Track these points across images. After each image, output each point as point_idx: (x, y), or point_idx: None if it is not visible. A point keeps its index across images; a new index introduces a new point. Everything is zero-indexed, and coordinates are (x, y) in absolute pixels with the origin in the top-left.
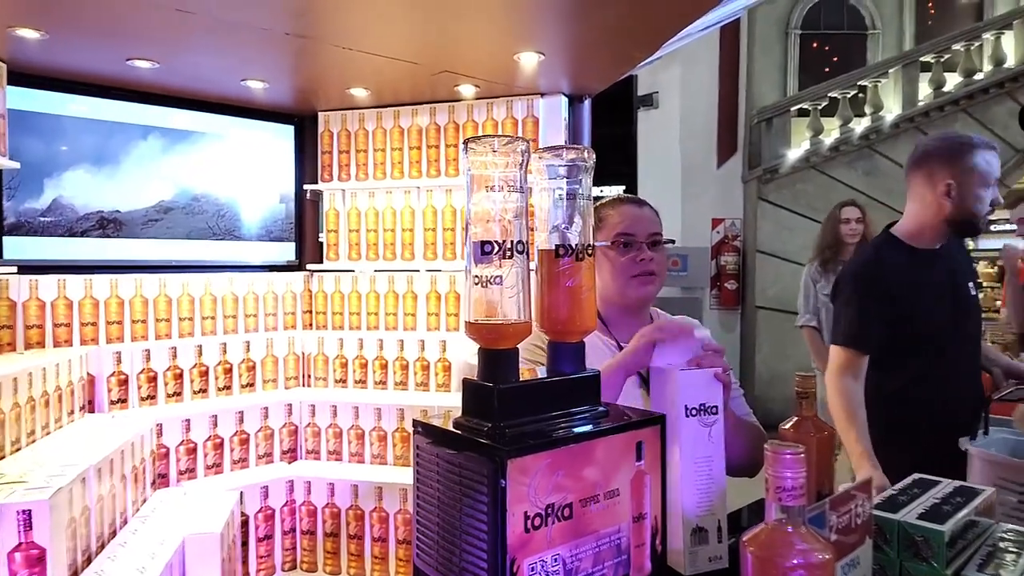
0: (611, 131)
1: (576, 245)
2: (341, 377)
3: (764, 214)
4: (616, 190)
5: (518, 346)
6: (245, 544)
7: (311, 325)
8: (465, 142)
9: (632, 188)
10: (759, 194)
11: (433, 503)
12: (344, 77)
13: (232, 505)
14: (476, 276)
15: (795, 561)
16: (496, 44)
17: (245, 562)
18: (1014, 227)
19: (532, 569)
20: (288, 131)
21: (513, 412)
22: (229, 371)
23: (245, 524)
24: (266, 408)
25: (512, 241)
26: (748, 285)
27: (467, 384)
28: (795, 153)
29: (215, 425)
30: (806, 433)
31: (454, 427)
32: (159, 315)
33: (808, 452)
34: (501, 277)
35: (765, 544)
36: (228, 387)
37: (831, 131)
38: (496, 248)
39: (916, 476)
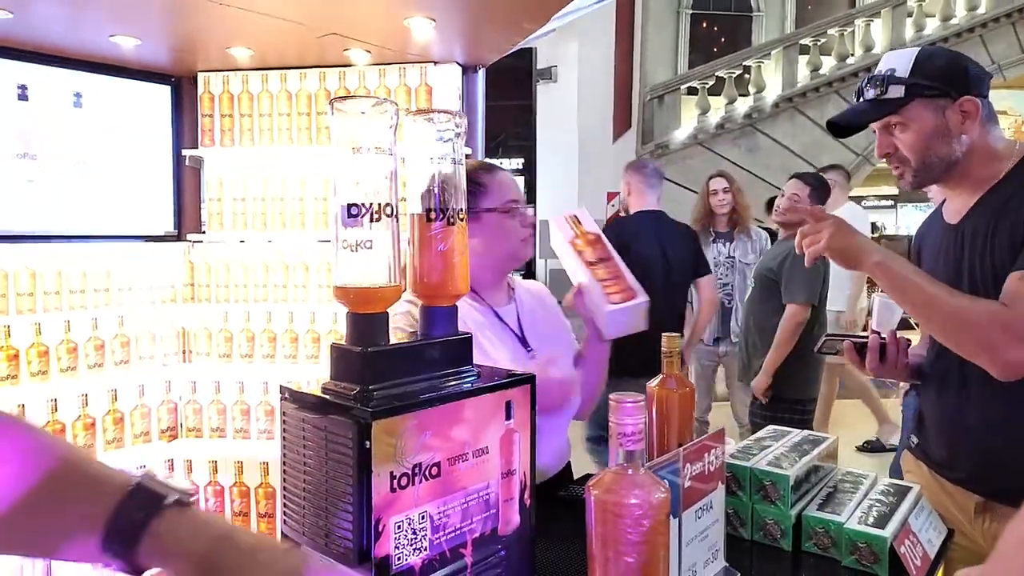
0: (511, 104)
1: (448, 209)
2: (226, 352)
3: None
4: (515, 163)
5: (392, 313)
6: None
7: (193, 298)
8: (331, 102)
9: (531, 160)
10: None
11: (299, 470)
12: (225, 36)
13: None
14: (344, 240)
15: (633, 501)
16: (385, 7)
17: None
18: None
19: (398, 527)
20: (164, 92)
21: (381, 375)
22: (101, 347)
23: None
24: (142, 385)
25: (380, 204)
26: None
27: (335, 349)
28: (684, 130)
29: (86, 404)
30: (670, 389)
31: (322, 392)
32: (20, 289)
33: (671, 407)
34: (371, 242)
35: (607, 487)
36: (100, 364)
37: (717, 109)
38: (363, 211)
39: (771, 428)
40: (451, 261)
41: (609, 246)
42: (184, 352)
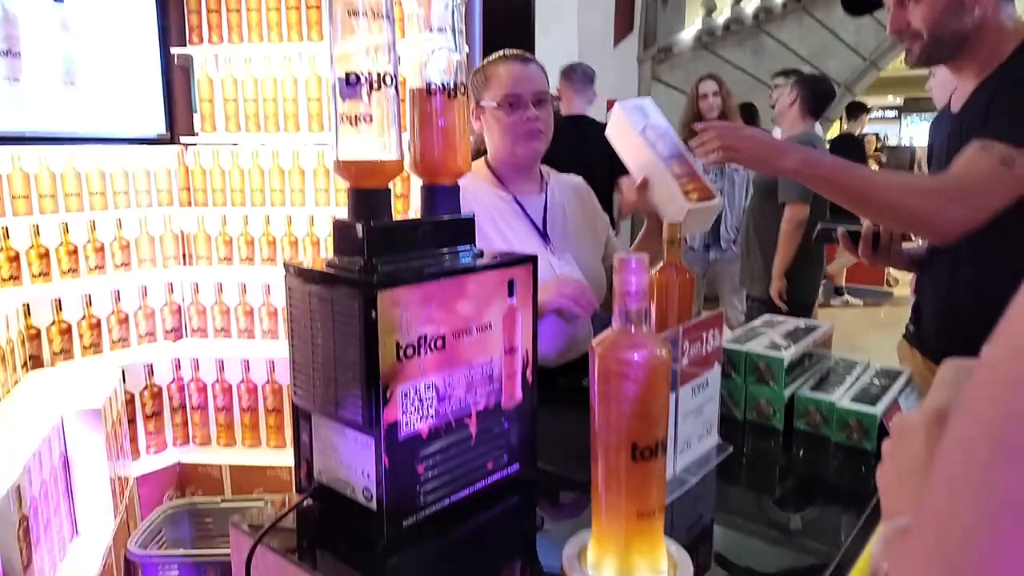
0: (508, 4)
1: (448, 83)
2: (226, 255)
3: (658, 94)
4: None
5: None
6: (132, 422)
7: (189, 202)
8: None
9: None
10: (653, 74)
11: (306, 341)
12: None
13: (114, 383)
14: (344, 114)
15: (635, 357)
16: None
17: (134, 439)
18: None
19: (405, 395)
20: None
21: (384, 250)
22: (101, 250)
23: (131, 402)
24: (145, 287)
25: (379, 73)
26: None
27: (337, 224)
28: (688, 33)
29: (89, 304)
30: (671, 276)
31: (326, 267)
32: (15, 191)
33: (672, 293)
34: (370, 115)
35: (610, 344)
36: (101, 266)
37: (722, 11)
38: (362, 80)
39: (767, 316)
40: (451, 137)
41: (680, 142)
42: (184, 256)
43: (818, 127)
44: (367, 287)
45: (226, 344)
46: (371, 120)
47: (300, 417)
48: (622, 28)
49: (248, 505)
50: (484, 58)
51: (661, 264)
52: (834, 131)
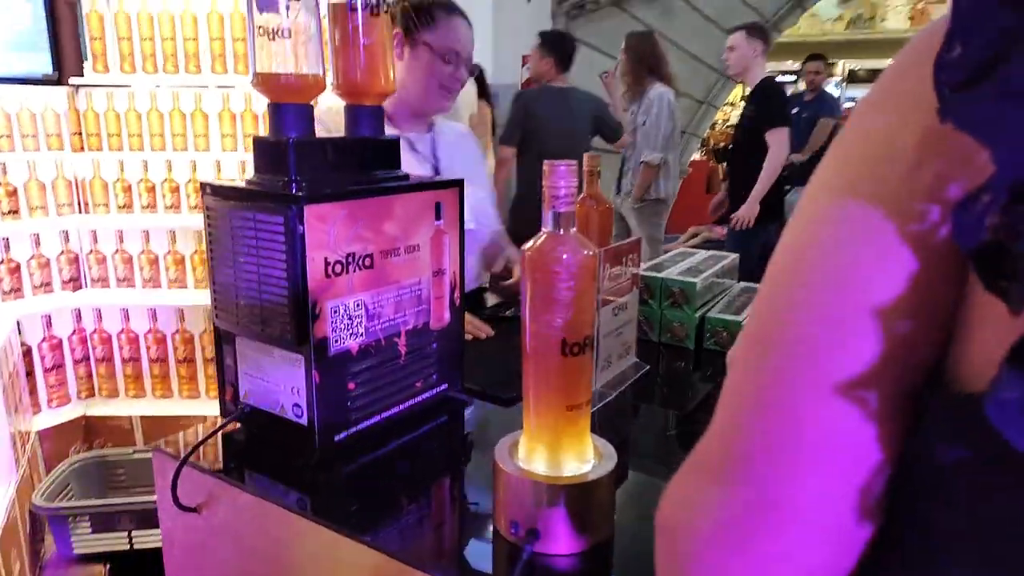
0: None
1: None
2: (125, 202)
3: None
4: None
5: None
6: (31, 375)
7: (82, 147)
8: None
9: None
10: (566, 30)
11: (228, 262)
12: None
13: (7, 333)
14: (260, 27)
15: (564, 256)
16: None
17: (34, 392)
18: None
19: (334, 311)
20: None
21: (309, 168)
22: None
23: (28, 355)
24: (37, 235)
25: None
26: None
27: (257, 142)
28: None
29: None
30: (590, 206)
31: (247, 185)
32: None
33: (592, 222)
34: (288, 29)
35: (540, 247)
36: None
37: None
38: None
39: (680, 250)
40: (376, 56)
41: None
42: (79, 203)
43: None
44: (294, 200)
45: (130, 294)
46: (289, 35)
47: (223, 341)
48: None
49: None
50: None
51: (582, 195)
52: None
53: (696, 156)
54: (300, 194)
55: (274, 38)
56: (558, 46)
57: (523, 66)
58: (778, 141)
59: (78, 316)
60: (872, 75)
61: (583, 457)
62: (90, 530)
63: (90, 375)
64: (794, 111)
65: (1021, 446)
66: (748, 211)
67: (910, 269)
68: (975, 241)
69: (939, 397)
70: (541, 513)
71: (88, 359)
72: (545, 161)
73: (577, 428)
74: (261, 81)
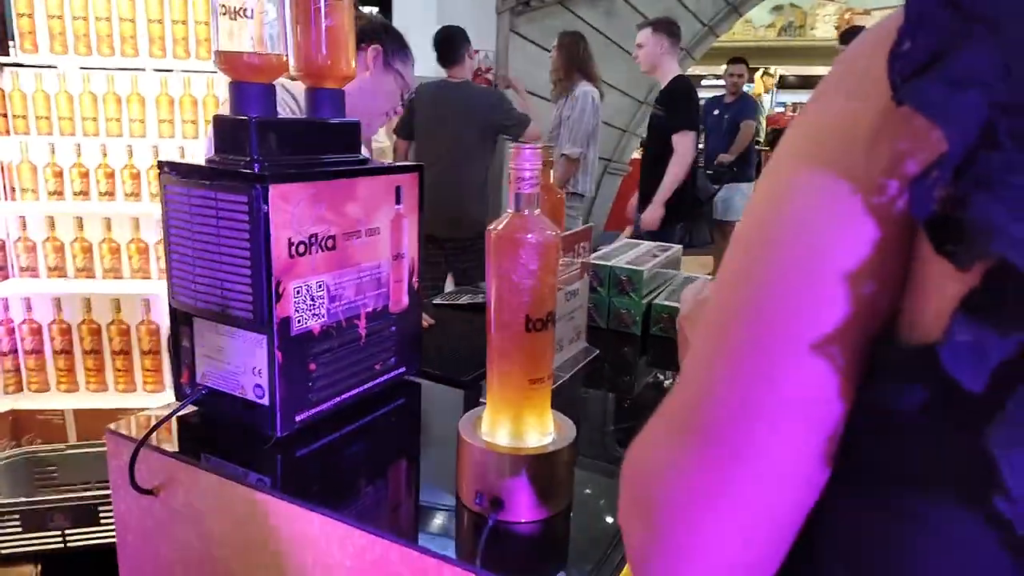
0: None
1: None
2: (56, 189)
3: (515, 47)
4: (370, 10)
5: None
6: None
7: (8, 131)
8: None
9: (387, 11)
10: (511, 26)
11: (187, 243)
12: None
13: None
14: (223, 5)
15: (528, 237)
16: None
17: None
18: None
19: (297, 292)
20: None
21: (271, 148)
22: None
23: None
24: None
25: None
26: None
27: (219, 120)
28: None
29: None
30: (543, 199)
31: (208, 164)
32: None
33: (544, 213)
34: (251, 9)
35: (506, 226)
36: None
37: None
38: None
39: (625, 240)
40: (338, 38)
41: None
42: (6, 188)
43: None
44: (259, 179)
45: (62, 283)
46: (251, 15)
47: (180, 323)
48: None
49: (100, 450)
50: None
51: None
52: None
53: (636, 155)
54: (265, 174)
55: (236, 17)
56: (438, 44)
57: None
58: (684, 145)
59: (6, 306)
60: (802, 81)
61: (544, 430)
62: (20, 529)
63: (18, 368)
64: (715, 113)
65: (971, 387)
66: (651, 214)
67: (872, 236)
68: (927, 211)
69: (894, 349)
70: (504, 483)
71: (16, 351)
72: (511, 144)
73: (538, 402)
74: (223, 60)
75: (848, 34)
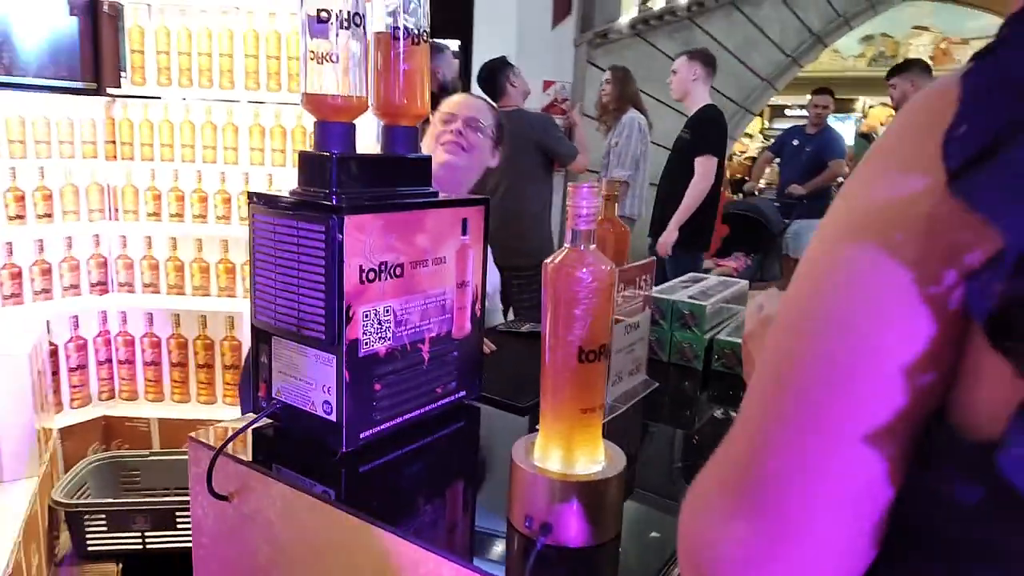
0: None
1: (413, 28)
2: (154, 210)
3: (592, 79)
4: (451, 44)
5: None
6: (56, 374)
7: (116, 156)
8: None
9: (468, 44)
10: (588, 58)
11: (271, 267)
12: None
13: (39, 332)
14: (312, 51)
15: (583, 272)
16: None
17: (57, 391)
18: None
19: (366, 316)
20: None
21: (349, 181)
22: (22, 199)
23: (55, 354)
24: (69, 238)
25: (348, 12)
26: None
27: (303, 156)
28: (624, 19)
29: (10, 254)
30: (607, 230)
31: (291, 195)
32: None
33: (608, 245)
34: (337, 55)
35: (563, 261)
36: (22, 216)
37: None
38: (331, 16)
39: (692, 274)
40: (414, 80)
41: None
42: (110, 209)
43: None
44: (336, 211)
45: (155, 299)
46: (337, 59)
47: (260, 340)
48: (561, 10)
49: (180, 458)
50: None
51: (600, 219)
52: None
53: None
54: (341, 205)
55: (323, 62)
56: (481, 84)
57: (543, 91)
58: (706, 167)
59: (104, 319)
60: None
61: (595, 458)
62: (105, 528)
63: (111, 377)
64: (794, 143)
65: None
66: (667, 238)
67: (930, 327)
68: (986, 307)
69: (951, 440)
70: (554, 508)
71: (111, 361)
72: (569, 184)
73: (590, 430)
74: (309, 101)
75: (897, 70)
